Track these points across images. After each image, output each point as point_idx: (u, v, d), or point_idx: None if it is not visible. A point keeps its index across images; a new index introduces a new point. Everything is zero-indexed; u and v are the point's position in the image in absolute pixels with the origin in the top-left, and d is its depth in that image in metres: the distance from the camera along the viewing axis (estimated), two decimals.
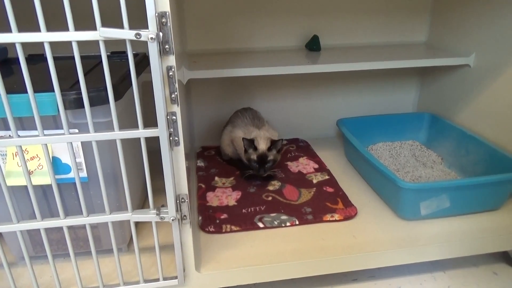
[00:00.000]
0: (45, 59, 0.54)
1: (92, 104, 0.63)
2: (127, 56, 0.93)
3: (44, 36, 0.51)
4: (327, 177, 1.09)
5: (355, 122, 1.21)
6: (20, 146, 0.58)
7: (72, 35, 0.52)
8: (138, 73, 0.85)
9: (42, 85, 0.63)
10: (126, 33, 0.52)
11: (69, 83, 0.68)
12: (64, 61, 0.85)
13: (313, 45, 1.20)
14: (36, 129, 0.57)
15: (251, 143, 1.01)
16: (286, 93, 1.32)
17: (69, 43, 0.53)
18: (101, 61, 0.89)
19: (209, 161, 1.20)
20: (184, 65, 0.98)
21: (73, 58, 0.54)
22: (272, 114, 1.34)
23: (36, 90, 0.60)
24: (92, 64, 0.84)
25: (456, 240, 0.84)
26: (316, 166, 1.16)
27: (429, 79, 1.32)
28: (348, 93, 1.36)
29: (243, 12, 1.18)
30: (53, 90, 0.55)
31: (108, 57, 0.92)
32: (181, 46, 1.08)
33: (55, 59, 0.88)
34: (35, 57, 0.89)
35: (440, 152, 1.18)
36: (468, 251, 0.85)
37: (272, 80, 1.29)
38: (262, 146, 1.01)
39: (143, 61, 0.88)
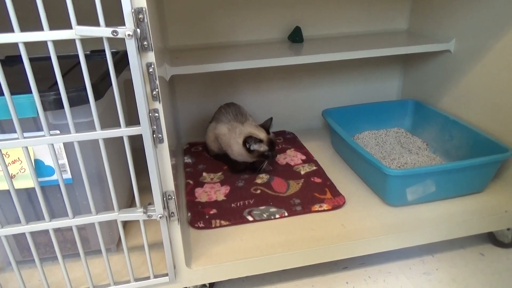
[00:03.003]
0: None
1: (72, 104, 0.63)
2: (105, 55, 0.93)
3: (18, 37, 0.50)
4: (314, 168, 1.10)
5: (340, 112, 1.22)
6: (0, 150, 0.57)
7: (47, 35, 0.51)
8: (119, 71, 0.84)
9: (20, 87, 0.62)
10: (102, 31, 0.51)
11: (48, 84, 0.67)
12: (43, 62, 0.83)
13: (295, 37, 1.20)
14: (16, 131, 0.56)
15: (252, 140, 0.99)
16: (271, 86, 1.32)
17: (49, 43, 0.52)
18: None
19: (197, 157, 1.19)
20: (167, 62, 0.97)
21: (50, 58, 0.53)
22: (257, 107, 1.33)
23: (14, 92, 0.59)
24: (72, 63, 0.82)
25: (443, 223, 0.86)
26: (304, 157, 1.17)
27: (412, 66, 1.34)
28: (332, 83, 1.36)
29: (224, 6, 1.17)
30: (31, 92, 0.54)
31: (89, 56, 0.92)
32: (162, 42, 1.07)
33: (34, 59, 0.87)
34: (13, 58, 0.87)
35: (425, 138, 1.19)
36: (455, 234, 0.87)
37: (256, 73, 1.29)
38: (262, 134, 1.01)
39: (124, 59, 0.87)
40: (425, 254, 0.93)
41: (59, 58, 0.85)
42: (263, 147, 1.00)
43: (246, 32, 1.22)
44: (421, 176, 0.87)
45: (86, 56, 0.91)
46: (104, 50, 0.92)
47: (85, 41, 0.53)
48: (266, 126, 1.04)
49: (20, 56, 0.52)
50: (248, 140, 0.99)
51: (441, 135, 1.12)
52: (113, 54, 0.93)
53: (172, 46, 1.19)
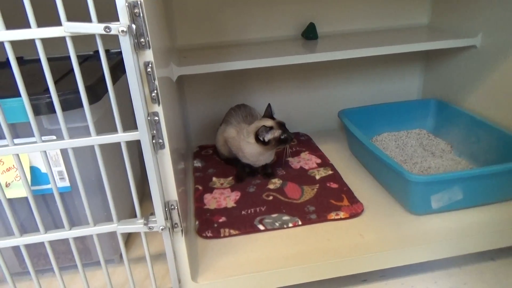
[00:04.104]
0: (21, 62, 0.49)
1: (69, 107, 0.59)
2: (110, 54, 0.89)
3: (2, 35, 0.46)
4: (330, 172, 1.04)
5: (357, 112, 1.15)
6: None
7: (35, 33, 0.47)
8: (123, 72, 0.80)
9: (13, 90, 0.58)
10: (94, 27, 0.46)
11: (43, 87, 0.63)
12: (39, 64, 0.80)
13: (309, 34, 1.14)
14: (19, 137, 0.53)
15: (264, 130, 0.94)
16: (284, 86, 1.27)
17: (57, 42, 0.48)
18: (83, 61, 0.84)
19: (207, 161, 1.15)
20: (173, 61, 0.93)
21: (51, 59, 0.49)
22: None
23: (6, 96, 0.55)
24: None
25: (472, 234, 0.79)
26: (319, 161, 1.10)
27: (434, 63, 1.26)
28: (349, 82, 1.30)
29: (234, 2, 1.12)
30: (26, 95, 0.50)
31: (91, 56, 0.88)
32: (170, 41, 1.03)
33: (30, 61, 0.83)
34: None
35: (449, 140, 1.12)
36: (485, 245, 0.80)
37: (269, 73, 1.23)
38: (268, 121, 0.96)
39: None
40: (452, 266, 0.86)
41: (62, 59, 0.81)
42: (276, 132, 0.94)
43: (258, 29, 1.17)
44: (447, 183, 0.80)
45: (90, 57, 0.88)
46: (107, 51, 0.89)
47: (86, 41, 0.48)
48: (268, 114, 1.00)
49: (19, 58, 0.48)
50: (259, 133, 0.94)
51: (467, 137, 1.05)
52: (117, 54, 0.89)
53: (181, 45, 1.15)
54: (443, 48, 1.04)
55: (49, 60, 0.81)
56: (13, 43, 0.48)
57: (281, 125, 0.96)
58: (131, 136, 0.54)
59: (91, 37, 0.48)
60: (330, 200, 0.91)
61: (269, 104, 1.01)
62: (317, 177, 1.02)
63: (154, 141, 0.55)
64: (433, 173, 0.98)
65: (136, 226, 0.60)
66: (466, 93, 1.12)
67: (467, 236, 0.78)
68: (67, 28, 0.46)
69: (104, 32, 0.47)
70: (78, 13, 0.52)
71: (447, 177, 0.80)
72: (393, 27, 1.23)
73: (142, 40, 0.50)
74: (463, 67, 1.12)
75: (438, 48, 1.03)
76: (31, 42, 0.48)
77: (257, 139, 0.95)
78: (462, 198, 0.83)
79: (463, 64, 1.12)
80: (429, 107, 1.20)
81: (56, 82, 0.66)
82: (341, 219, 0.85)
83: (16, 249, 0.72)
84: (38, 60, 0.50)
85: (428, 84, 1.31)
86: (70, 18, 0.47)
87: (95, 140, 0.54)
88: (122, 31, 0.46)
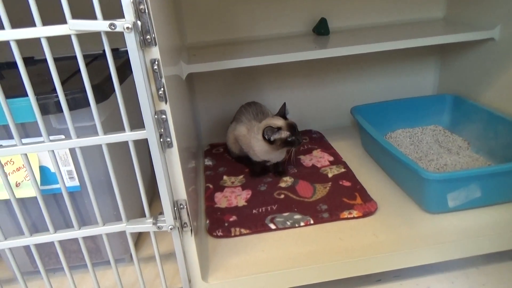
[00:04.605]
0: (32, 62, 0.49)
1: (77, 106, 0.59)
2: (120, 53, 0.89)
3: (8, 34, 0.46)
4: (343, 170, 1.02)
5: (370, 108, 1.13)
6: None
7: (40, 31, 0.46)
8: (131, 71, 0.79)
9: (23, 90, 0.58)
10: (98, 24, 0.46)
11: (52, 86, 0.62)
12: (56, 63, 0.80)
13: (321, 29, 1.12)
14: (29, 136, 0.52)
15: (270, 130, 0.92)
16: (295, 83, 1.25)
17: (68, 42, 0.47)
18: (93, 60, 0.84)
19: (218, 159, 1.14)
20: (183, 59, 0.92)
21: (63, 59, 0.49)
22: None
23: (16, 95, 0.55)
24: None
25: (490, 233, 0.76)
26: (331, 158, 1.08)
27: (450, 57, 1.22)
28: (361, 78, 1.27)
29: None
30: (35, 94, 0.50)
31: (100, 55, 0.87)
32: (180, 39, 1.02)
33: (40, 61, 0.83)
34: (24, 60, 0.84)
35: (466, 136, 1.08)
36: (504, 245, 0.77)
37: (280, 70, 1.22)
38: (279, 121, 0.94)
39: None
40: (469, 266, 0.83)
41: (72, 58, 0.81)
42: (284, 133, 0.92)
43: (268, 25, 1.15)
44: (464, 180, 0.77)
45: (99, 56, 0.88)
46: (116, 49, 0.89)
47: (96, 40, 0.47)
48: (281, 113, 0.98)
49: (30, 58, 0.48)
50: (265, 131, 0.92)
51: (485, 132, 1.01)
52: (127, 53, 0.88)
53: (191, 43, 1.14)
54: (460, 42, 1.01)
55: (60, 59, 0.82)
56: (24, 44, 0.47)
57: (291, 127, 0.93)
58: (138, 135, 0.53)
59: (100, 36, 0.48)
60: (343, 199, 0.89)
61: (284, 103, 0.99)
62: (330, 175, 1.00)
63: (161, 139, 0.54)
64: (449, 170, 0.95)
65: (145, 225, 0.59)
66: (484, 87, 1.08)
67: (484, 235, 0.76)
68: (72, 26, 0.45)
69: (109, 29, 0.46)
70: (85, 12, 0.52)
71: (464, 174, 0.78)
72: (407, 21, 1.20)
73: (148, 37, 0.49)
74: (480, 60, 1.09)
75: (454, 42, 0.99)
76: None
77: (263, 137, 0.93)
78: (480, 196, 0.80)
79: (480, 57, 1.09)
80: (445, 103, 1.17)
81: (65, 81, 0.66)
82: (354, 218, 0.84)
83: (27, 248, 0.72)
84: (44, 60, 0.49)
85: (444, 79, 1.27)
86: (76, 17, 0.46)
87: (102, 139, 0.53)
88: (127, 28, 0.46)
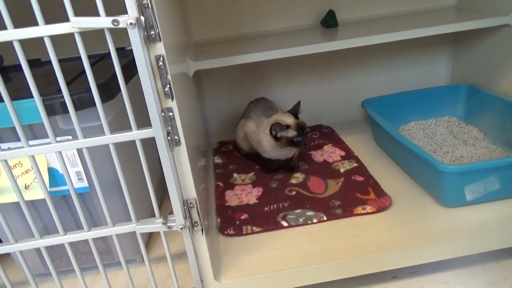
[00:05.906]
0: (38, 64, 0.48)
1: (83, 106, 0.58)
2: (126, 52, 0.88)
3: (10, 34, 0.45)
4: (355, 164, 1.00)
5: (382, 101, 1.10)
6: (6, 160, 0.52)
7: (42, 30, 0.45)
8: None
9: (29, 92, 0.57)
10: (101, 21, 0.45)
11: (58, 86, 0.62)
12: (61, 64, 0.79)
13: (329, 21, 1.09)
14: (36, 138, 0.52)
15: (278, 127, 0.91)
16: (304, 77, 1.23)
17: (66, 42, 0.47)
18: (99, 60, 0.84)
19: (227, 157, 1.13)
20: (190, 56, 0.91)
21: (69, 59, 0.48)
22: (291, 100, 1.24)
23: (22, 97, 0.55)
24: (91, 63, 0.78)
25: (509, 226, 0.73)
26: (343, 153, 1.06)
27: (463, 46, 1.19)
28: (372, 70, 1.24)
29: None
30: (41, 95, 0.50)
31: (107, 54, 0.87)
32: (186, 36, 1.01)
33: (47, 63, 0.83)
34: (31, 62, 0.84)
35: (481, 127, 1.05)
36: None
37: (288, 64, 1.20)
38: (289, 119, 0.92)
39: None
40: (489, 260, 0.81)
41: (79, 58, 0.81)
42: (291, 133, 0.90)
43: (275, 19, 1.13)
44: (482, 172, 0.75)
45: (106, 55, 0.87)
46: (122, 48, 0.88)
47: (102, 39, 0.46)
48: (294, 111, 0.95)
49: (37, 60, 0.47)
50: (273, 127, 0.91)
51: (502, 122, 0.98)
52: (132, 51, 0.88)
53: (197, 40, 1.13)
54: (473, 29, 0.97)
55: (67, 60, 0.81)
56: (31, 46, 0.47)
57: (300, 128, 0.91)
58: (145, 133, 0.52)
59: (104, 34, 0.47)
60: (356, 194, 0.87)
61: (299, 102, 0.96)
62: (342, 170, 0.98)
63: (169, 137, 0.53)
64: (466, 162, 0.92)
65: (155, 225, 0.58)
66: (499, 76, 1.05)
67: (504, 229, 0.73)
68: (75, 23, 0.44)
69: (112, 26, 0.45)
70: (89, 12, 0.51)
71: (482, 166, 0.75)
72: (417, 10, 1.17)
73: (152, 32, 0.48)
74: (495, 48, 1.05)
75: (467, 30, 0.96)
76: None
77: (270, 132, 0.92)
78: (498, 188, 0.78)
79: (495, 45, 1.05)
80: (459, 93, 1.13)
81: (72, 81, 0.65)
82: (368, 213, 0.82)
83: (39, 250, 0.72)
84: (48, 62, 0.49)
85: (457, 69, 1.24)
86: (79, 16, 0.45)
87: (109, 138, 0.52)
88: (131, 23, 0.44)
